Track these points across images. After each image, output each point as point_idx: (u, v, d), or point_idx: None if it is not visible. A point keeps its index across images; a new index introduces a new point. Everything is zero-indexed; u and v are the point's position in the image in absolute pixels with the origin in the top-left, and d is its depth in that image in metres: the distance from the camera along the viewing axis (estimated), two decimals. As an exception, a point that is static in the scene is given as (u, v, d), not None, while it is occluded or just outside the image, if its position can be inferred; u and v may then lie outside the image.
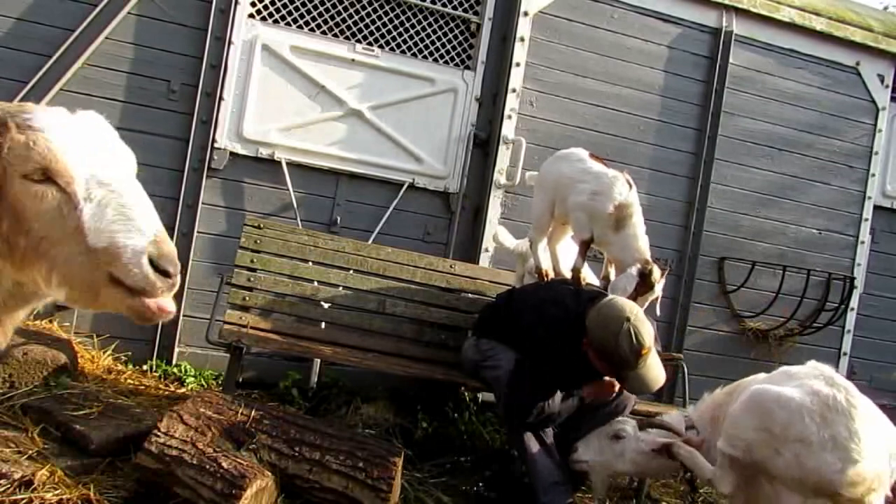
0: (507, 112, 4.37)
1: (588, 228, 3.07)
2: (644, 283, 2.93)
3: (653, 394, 3.31)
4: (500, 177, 4.37)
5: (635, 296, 2.92)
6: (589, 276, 3.22)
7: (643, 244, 3.00)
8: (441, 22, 4.40)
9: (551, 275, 3.31)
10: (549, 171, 3.34)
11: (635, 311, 2.75)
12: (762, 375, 2.72)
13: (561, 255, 3.34)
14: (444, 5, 4.38)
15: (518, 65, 4.38)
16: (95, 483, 2.42)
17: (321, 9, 4.21)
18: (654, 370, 2.79)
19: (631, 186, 3.03)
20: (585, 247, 3.11)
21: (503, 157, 4.38)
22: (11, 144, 1.31)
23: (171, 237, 4.04)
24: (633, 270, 2.92)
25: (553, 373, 2.96)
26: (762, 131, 4.90)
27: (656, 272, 2.95)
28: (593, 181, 3.07)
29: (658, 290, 2.99)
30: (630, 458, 2.86)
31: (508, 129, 4.39)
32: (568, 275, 3.22)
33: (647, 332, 2.73)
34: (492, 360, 3.13)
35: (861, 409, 2.38)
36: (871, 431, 2.36)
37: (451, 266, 3.76)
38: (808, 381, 2.48)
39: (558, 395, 2.94)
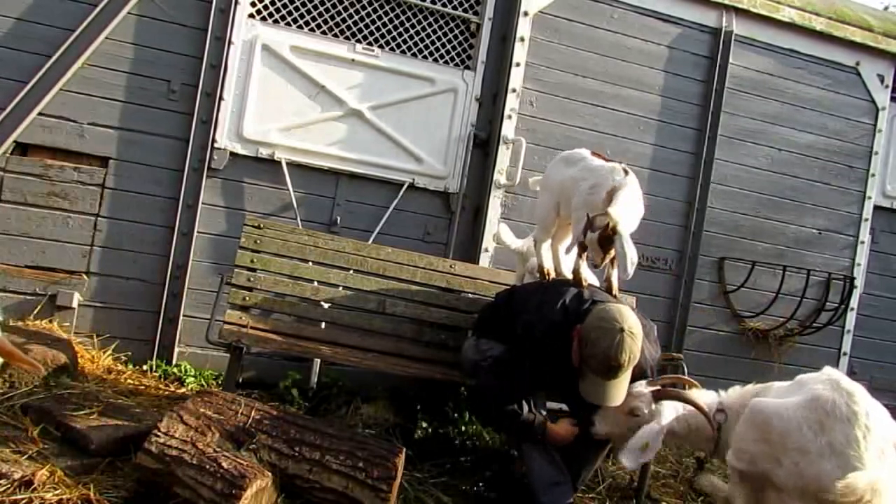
0: (507, 112, 4.37)
1: (580, 230, 3.05)
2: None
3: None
4: (500, 177, 4.38)
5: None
6: (590, 278, 3.22)
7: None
8: (441, 22, 4.40)
9: (553, 275, 3.31)
10: (553, 172, 3.34)
11: (635, 330, 2.71)
12: (787, 383, 2.70)
13: (563, 256, 3.34)
14: (444, 5, 4.38)
15: (518, 65, 4.39)
16: (95, 483, 2.42)
17: (321, 9, 4.21)
18: (612, 389, 2.74)
19: (627, 174, 3.00)
20: (584, 248, 3.10)
21: (503, 157, 4.38)
22: None
23: (171, 237, 4.11)
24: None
25: (543, 372, 2.97)
26: (762, 131, 4.90)
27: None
28: (591, 176, 3.07)
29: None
30: (648, 433, 2.80)
31: (508, 129, 4.39)
32: (570, 276, 3.21)
33: (631, 353, 2.68)
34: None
35: (863, 414, 2.34)
36: (874, 437, 2.33)
37: (451, 266, 3.76)
38: (813, 386, 2.47)
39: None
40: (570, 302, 2.97)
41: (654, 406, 2.80)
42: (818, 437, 2.33)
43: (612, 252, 2.81)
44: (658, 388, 2.84)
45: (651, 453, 2.78)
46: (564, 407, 3.30)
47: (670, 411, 2.81)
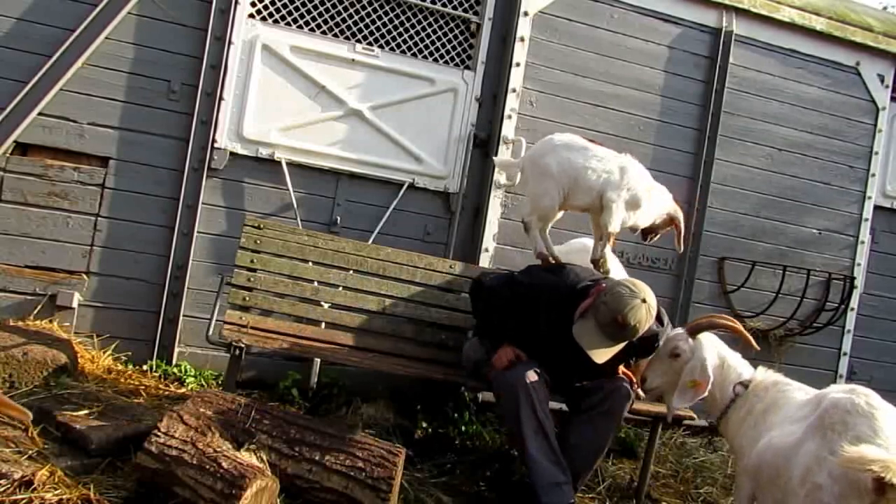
0: (507, 112, 4.37)
1: (621, 221, 3.18)
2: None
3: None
4: (500, 177, 4.37)
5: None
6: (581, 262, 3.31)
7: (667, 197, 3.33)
8: (441, 22, 4.40)
9: (552, 260, 3.33)
10: (552, 159, 3.23)
11: (652, 310, 2.84)
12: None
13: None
14: (444, 5, 4.38)
15: (518, 65, 4.38)
16: (95, 483, 2.42)
17: (321, 9, 4.21)
18: (605, 351, 2.85)
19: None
20: (610, 238, 3.25)
21: (503, 157, 4.38)
22: None
23: (171, 237, 4.11)
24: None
25: (549, 360, 3.07)
26: (762, 131, 4.90)
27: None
28: (619, 172, 3.19)
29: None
30: (690, 371, 2.88)
31: (508, 129, 4.39)
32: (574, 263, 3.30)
33: (639, 323, 2.79)
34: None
35: (883, 410, 2.36)
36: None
37: (451, 266, 3.76)
38: (830, 396, 2.47)
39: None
40: (571, 282, 3.07)
41: (691, 341, 2.89)
42: (842, 437, 2.30)
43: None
44: (690, 325, 2.94)
45: (703, 391, 2.82)
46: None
47: (709, 344, 2.87)
